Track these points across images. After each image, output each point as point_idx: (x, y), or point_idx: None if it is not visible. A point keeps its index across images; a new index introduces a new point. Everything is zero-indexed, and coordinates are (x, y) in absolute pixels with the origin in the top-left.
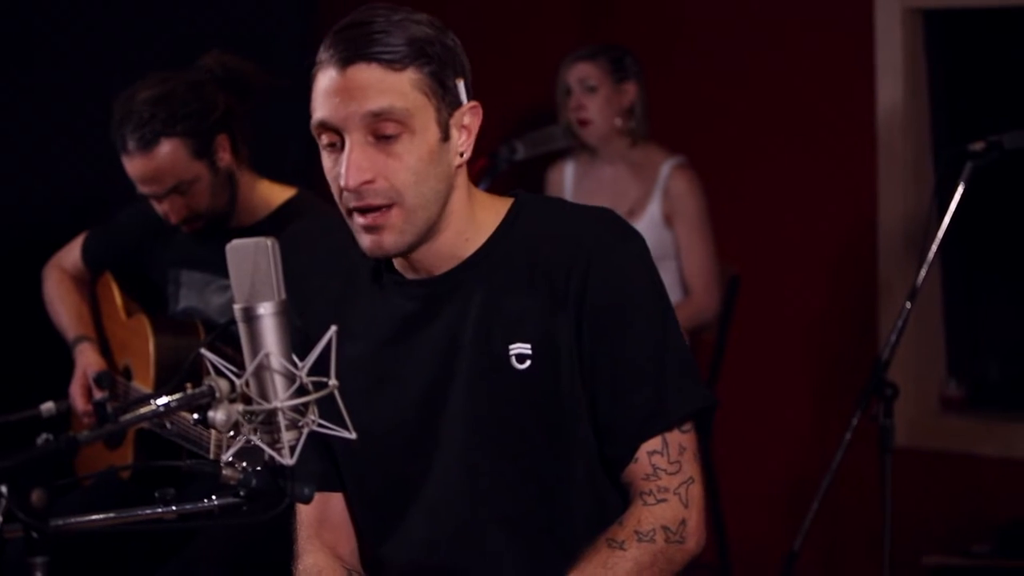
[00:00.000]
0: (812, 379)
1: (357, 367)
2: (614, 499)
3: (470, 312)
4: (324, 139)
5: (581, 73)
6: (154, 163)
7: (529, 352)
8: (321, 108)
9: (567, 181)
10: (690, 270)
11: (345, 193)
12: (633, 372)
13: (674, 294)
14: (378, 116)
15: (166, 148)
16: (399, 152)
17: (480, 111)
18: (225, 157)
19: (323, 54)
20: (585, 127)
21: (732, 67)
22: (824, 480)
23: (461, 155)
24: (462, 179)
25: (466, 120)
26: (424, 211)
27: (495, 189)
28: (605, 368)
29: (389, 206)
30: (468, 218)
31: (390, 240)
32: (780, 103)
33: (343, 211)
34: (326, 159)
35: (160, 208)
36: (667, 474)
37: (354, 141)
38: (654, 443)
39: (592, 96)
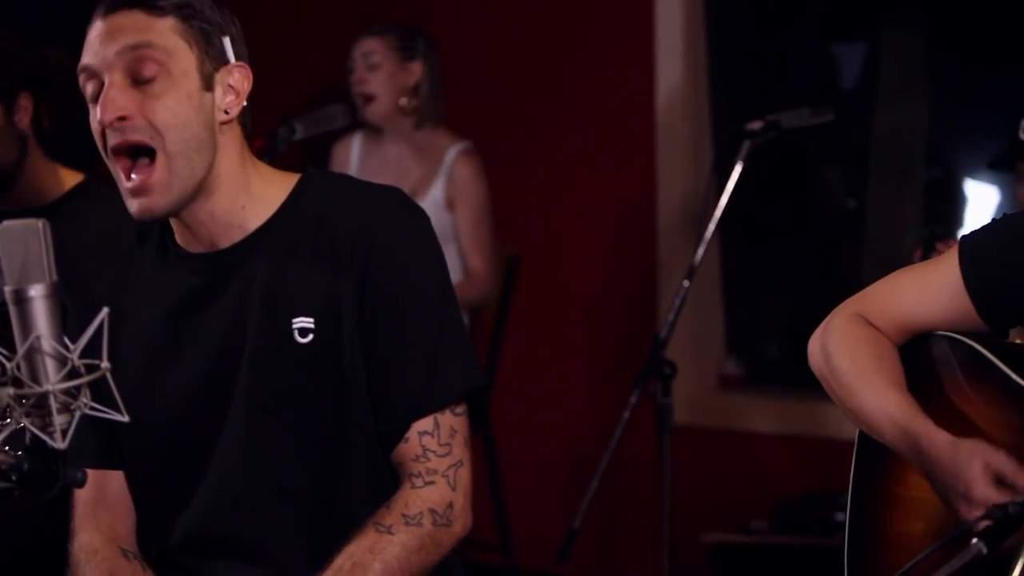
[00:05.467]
0: (592, 358)
1: (141, 343)
2: (391, 476)
3: (254, 286)
4: (88, 89)
5: (366, 48)
6: None
7: (312, 326)
8: (84, 56)
9: (353, 157)
10: (469, 253)
11: (108, 133)
12: (407, 351)
13: (454, 276)
14: (135, 50)
15: None
16: (157, 92)
17: (249, 73)
18: (24, 119)
19: (95, 13)
20: (368, 104)
21: (513, 47)
22: (603, 458)
23: (227, 113)
24: (231, 141)
25: (232, 80)
26: (186, 160)
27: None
28: (382, 346)
29: (151, 153)
30: (242, 184)
31: (158, 200)
32: (560, 83)
33: (110, 166)
34: (92, 113)
35: None
36: (436, 456)
37: (112, 81)
38: (425, 423)
39: (374, 72)
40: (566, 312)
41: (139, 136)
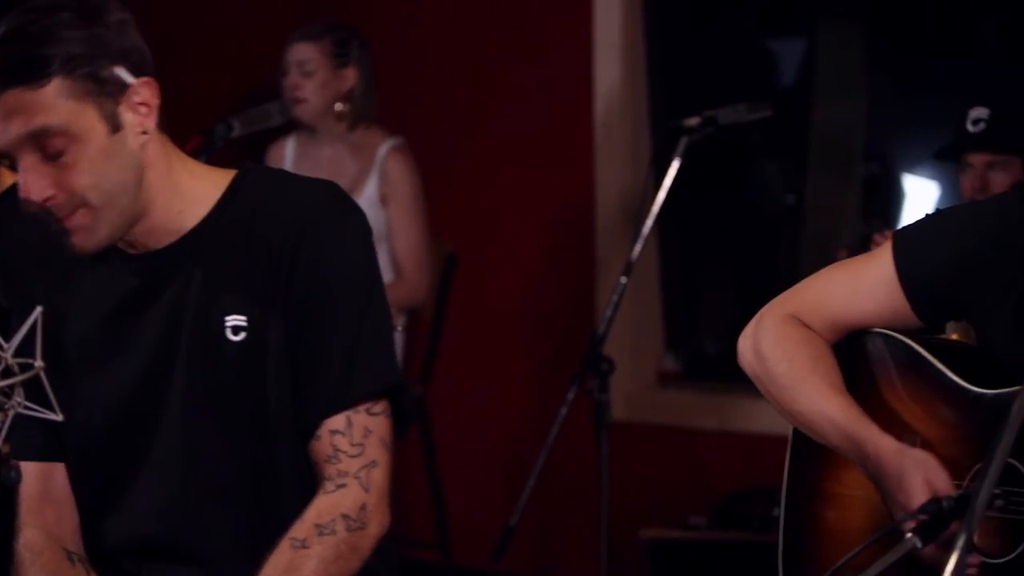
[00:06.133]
0: (530, 355)
1: (81, 343)
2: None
3: (191, 285)
4: (6, 164)
5: (300, 55)
6: None
7: (244, 324)
8: None
9: (288, 158)
10: (402, 251)
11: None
12: (327, 348)
13: (387, 275)
14: (36, 137)
15: None
16: (69, 163)
17: (154, 84)
18: None
19: None
20: (299, 105)
21: (450, 45)
22: (541, 455)
23: (145, 133)
24: (155, 154)
25: (139, 98)
26: (113, 206)
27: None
28: (305, 342)
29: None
30: (174, 191)
31: (88, 241)
32: (498, 80)
33: None
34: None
35: None
36: (348, 456)
37: (26, 163)
38: (337, 422)
39: (308, 79)
40: (504, 310)
41: (67, 210)
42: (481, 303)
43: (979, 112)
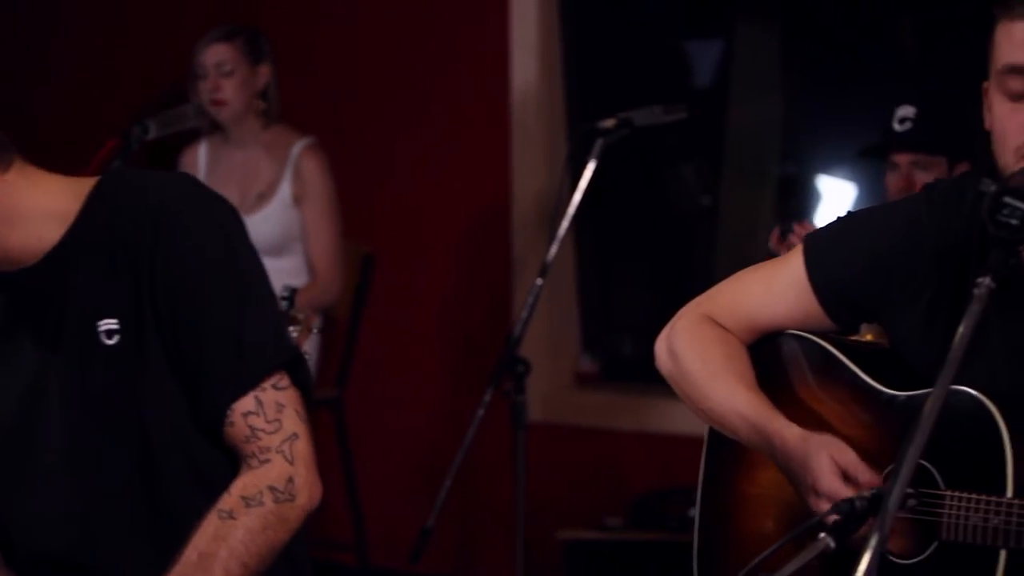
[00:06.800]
0: (447, 356)
1: None
2: (214, 465)
3: (63, 296)
4: None
5: (217, 56)
6: None
7: (116, 327)
8: None
9: (200, 163)
10: (315, 252)
11: None
12: (211, 337)
13: (302, 276)
14: None
15: None
16: None
17: None
18: None
19: None
20: (220, 107)
21: (366, 44)
22: (457, 456)
23: None
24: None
25: None
26: None
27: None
28: (186, 334)
29: None
30: (28, 217)
31: None
32: (415, 80)
33: None
34: None
35: None
36: (267, 434)
37: None
38: (247, 404)
39: (228, 79)
40: (420, 311)
41: None
42: (398, 304)
43: (906, 111)
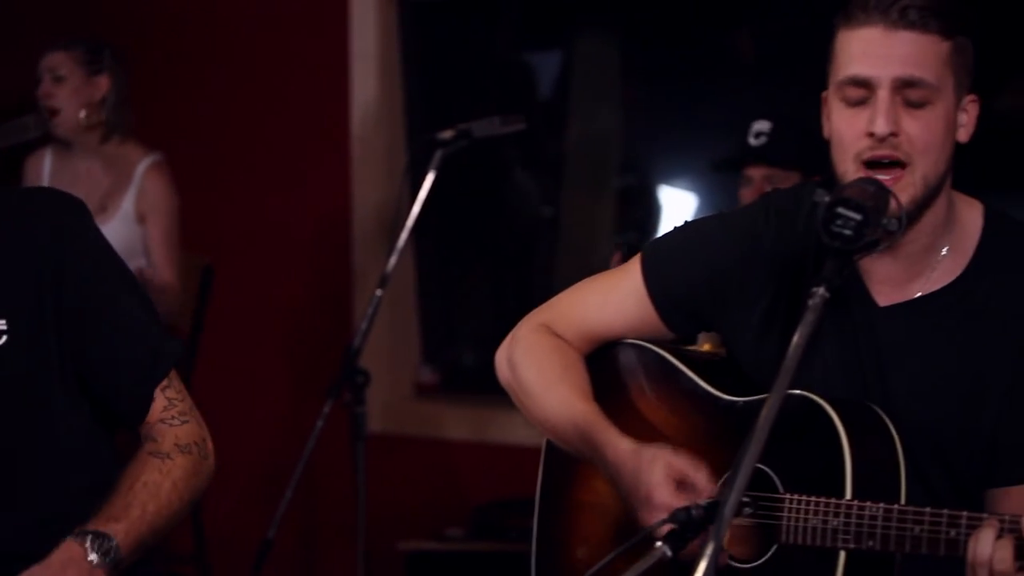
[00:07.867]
0: (288, 368)
1: None
2: (112, 460)
3: None
4: None
5: (52, 62)
6: None
7: (5, 328)
8: None
9: (44, 172)
10: (160, 266)
11: None
12: (127, 331)
13: None
14: None
15: None
16: None
17: None
18: None
19: None
20: (54, 117)
21: (207, 55)
22: (298, 467)
23: None
24: None
25: None
26: None
27: None
28: (93, 332)
29: None
30: None
31: None
32: (254, 91)
33: None
34: None
35: None
36: (180, 401)
37: None
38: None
39: (60, 85)
40: (261, 322)
41: None
42: (238, 316)
43: (761, 126)
